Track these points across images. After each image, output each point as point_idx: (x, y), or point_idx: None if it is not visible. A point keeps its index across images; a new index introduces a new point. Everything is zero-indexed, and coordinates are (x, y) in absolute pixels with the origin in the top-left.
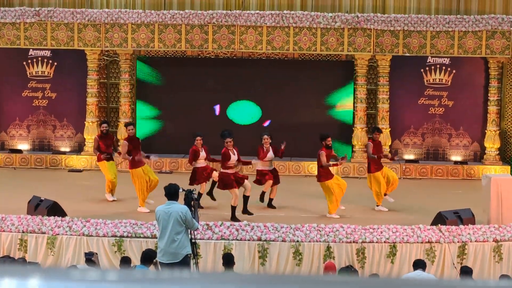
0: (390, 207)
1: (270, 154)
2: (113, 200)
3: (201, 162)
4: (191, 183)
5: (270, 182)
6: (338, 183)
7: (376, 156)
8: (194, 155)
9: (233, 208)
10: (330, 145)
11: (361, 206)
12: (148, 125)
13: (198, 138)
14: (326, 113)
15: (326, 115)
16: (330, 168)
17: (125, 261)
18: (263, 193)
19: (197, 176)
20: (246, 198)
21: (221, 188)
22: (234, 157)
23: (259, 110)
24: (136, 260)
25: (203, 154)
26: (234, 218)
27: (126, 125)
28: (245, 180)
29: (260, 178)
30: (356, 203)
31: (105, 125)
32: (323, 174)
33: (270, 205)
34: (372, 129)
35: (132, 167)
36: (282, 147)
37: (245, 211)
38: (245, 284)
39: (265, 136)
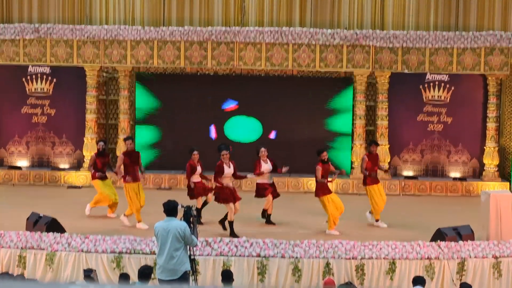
0: (389, 223)
1: (268, 166)
2: (113, 217)
3: (197, 177)
4: (191, 198)
5: (271, 198)
6: (335, 202)
7: (367, 172)
8: (191, 170)
9: (231, 224)
10: (325, 159)
11: (360, 222)
12: (147, 141)
13: (195, 153)
14: (325, 127)
15: (325, 130)
16: (329, 185)
17: (124, 277)
18: (264, 210)
19: (194, 191)
20: (230, 223)
21: (217, 201)
22: (229, 170)
23: (259, 126)
24: (135, 276)
25: (199, 169)
26: (232, 233)
27: (125, 139)
28: (237, 203)
29: (262, 192)
30: (355, 219)
31: (102, 143)
32: (320, 189)
33: (268, 222)
34: (369, 142)
35: (126, 181)
36: (283, 170)
37: (232, 234)
38: None
39: (262, 149)
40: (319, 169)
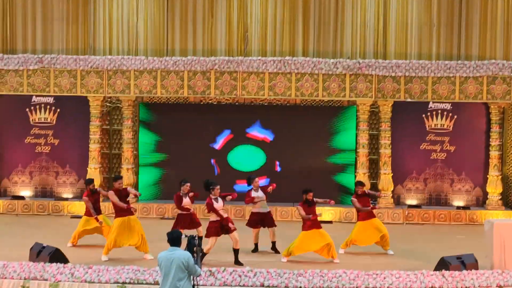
0: (393, 252)
1: (260, 194)
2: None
3: (185, 209)
4: (174, 227)
5: (257, 230)
6: (310, 240)
7: (365, 208)
8: (178, 201)
9: (236, 252)
10: (309, 199)
11: (363, 251)
12: (151, 171)
13: (187, 184)
14: (328, 159)
15: (328, 161)
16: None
17: None
18: (255, 245)
19: (179, 221)
20: (235, 251)
21: (207, 236)
22: (219, 205)
23: (263, 155)
24: None
25: (187, 200)
26: (237, 261)
27: (116, 178)
28: (234, 232)
29: (250, 221)
30: (359, 248)
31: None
32: (304, 224)
33: (273, 249)
34: (355, 183)
35: (117, 216)
36: (269, 189)
37: (236, 262)
38: None
39: (256, 179)
40: (299, 208)
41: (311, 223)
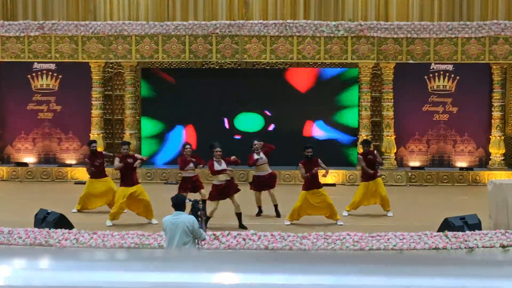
0: (396, 213)
1: (262, 156)
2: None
3: (189, 172)
4: (178, 191)
5: (259, 194)
6: (312, 201)
7: (368, 170)
8: (183, 163)
9: (239, 215)
10: (308, 155)
11: (367, 213)
12: (152, 138)
13: (188, 147)
14: (333, 119)
15: (333, 121)
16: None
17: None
18: (259, 208)
19: (182, 185)
20: (238, 215)
21: (210, 199)
22: (220, 168)
23: (261, 119)
24: None
25: (191, 165)
26: (241, 225)
27: (122, 144)
28: (233, 197)
29: (252, 183)
30: (362, 210)
31: (94, 144)
32: (304, 184)
33: (276, 211)
34: (362, 142)
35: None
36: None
37: (241, 225)
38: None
39: (255, 142)
40: (300, 166)
41: (309, 182)
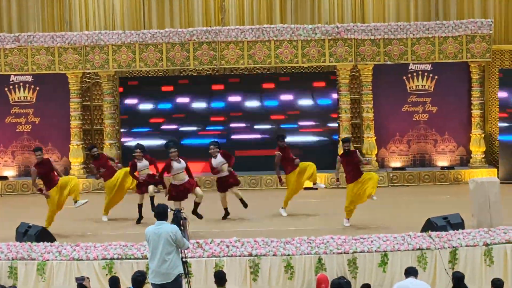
0: (379, 215)
1: (219, 159)
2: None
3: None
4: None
5: (223, 194)
6: (359, 191)
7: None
8: (133, 168)
9: (196, 204)
10: (346, 149)
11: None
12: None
13: (138, 150)
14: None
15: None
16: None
17: (114, 281)
18: (225, 210)
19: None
20: (196, 204)
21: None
22: (179, 166)
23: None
24: (127, 280)
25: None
26: (195, 212)
27: (35, 150)
28: (197, 188)
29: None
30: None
31: (95, 149)
32: (348, 177)
33: (243, 203)
34: (342, 141)
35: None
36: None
37: (195, 213)
38: None
39: (211, 146)
40: (339, 160)
41: (352, 175)
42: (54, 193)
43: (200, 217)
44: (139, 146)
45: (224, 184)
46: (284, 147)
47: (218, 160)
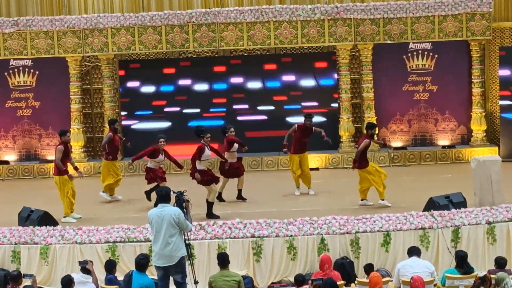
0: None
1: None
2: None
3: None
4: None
5: (227, 180)
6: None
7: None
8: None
9: (210, 204)
10: (309, 125)
11: (351, 196)
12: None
13: (161, 140)
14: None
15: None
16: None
17: (110, 264)
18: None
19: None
20: (209, 204)
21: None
22: (208, 153)
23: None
24: (130, 263)
25: (161, 157)
26: (211, 214)
27: (62, 132)
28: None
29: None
30: (347, 193)
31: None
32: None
33: (239, 197)
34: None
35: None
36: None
37: (210, 215)
38: None
39: (232, 129)
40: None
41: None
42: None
43: (223, 200)
44: (163, 136)
45: (231, 171)
46: (306, 127)
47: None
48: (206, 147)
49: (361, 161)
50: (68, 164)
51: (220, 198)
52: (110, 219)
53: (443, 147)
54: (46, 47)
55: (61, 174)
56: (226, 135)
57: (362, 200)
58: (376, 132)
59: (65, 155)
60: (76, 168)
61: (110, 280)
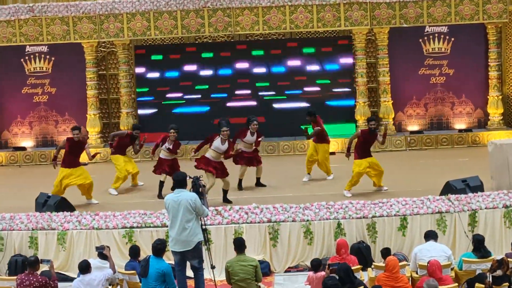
0: (397, 179)
1: (253, 138)
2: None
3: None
4: (154, 171)
5: (245, 168)
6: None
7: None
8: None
9: (225, 192)
10: (372, 128)
11: (368, 180)
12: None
13: (172, 131)
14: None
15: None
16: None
17: (134, 250)
18: (240, 181)
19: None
20: (224, 192)
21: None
22: (223, 147)
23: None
24: (147, 249)
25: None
26: (226, 199)
27: (73, 128)
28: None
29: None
30: (363, 178)
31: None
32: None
33: (258, 184)
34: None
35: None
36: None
37: (225, 199)
38: None
39: (255, 122)
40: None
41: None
42: (66, 173)
43: (241, 188)
44: (174, 127)
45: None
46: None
47: (252, 138)
48: (221, 139)
49: (357, 152)
50: (85, 153)
51: (239, 186)
52: (127, 204)
53: (460, 130)
54: (62, 33)
55: (65, 166)
56: (249, 126)
57: (378, 187)
58: (374, 126)
59: (71, 150)
60: (93, 156)
61: (132, 266)
